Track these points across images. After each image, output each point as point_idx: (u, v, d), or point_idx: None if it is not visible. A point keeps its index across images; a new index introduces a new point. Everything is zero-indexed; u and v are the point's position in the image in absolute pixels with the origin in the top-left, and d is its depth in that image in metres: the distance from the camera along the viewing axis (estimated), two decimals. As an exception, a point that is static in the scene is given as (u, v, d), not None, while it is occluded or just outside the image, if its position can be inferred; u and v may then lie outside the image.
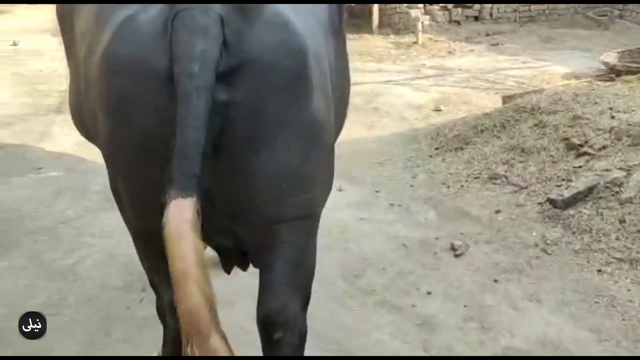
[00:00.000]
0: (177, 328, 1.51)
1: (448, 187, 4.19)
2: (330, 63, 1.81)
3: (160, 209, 1.45)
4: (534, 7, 11.95)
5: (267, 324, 1.78)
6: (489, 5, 11.62)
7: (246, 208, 1.65)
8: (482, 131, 4.69)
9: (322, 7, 1.88)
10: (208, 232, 1.55)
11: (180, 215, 1.43)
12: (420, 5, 11.57)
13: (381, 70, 8.13)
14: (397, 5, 11.84)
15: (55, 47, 10.48)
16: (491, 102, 6.32)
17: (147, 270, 1.93)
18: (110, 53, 1.57)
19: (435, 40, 10.57)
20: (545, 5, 12.01)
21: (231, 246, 1.85)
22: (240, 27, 1.53)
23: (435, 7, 11.56)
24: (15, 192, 4.39)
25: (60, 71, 8.99)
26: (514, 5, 11.79)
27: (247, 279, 2.16)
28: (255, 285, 1.82)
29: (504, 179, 3.99)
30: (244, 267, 2.01)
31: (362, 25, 12.15)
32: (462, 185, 4.15)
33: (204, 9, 1.51)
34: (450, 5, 11.52)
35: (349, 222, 3.85)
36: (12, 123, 6.03)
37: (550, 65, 8.03)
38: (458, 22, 11.62)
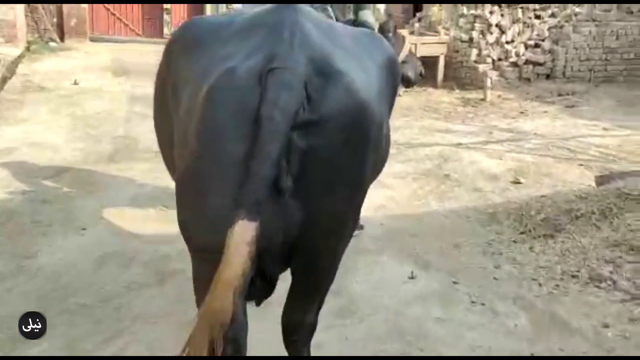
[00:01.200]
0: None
1: (540, 285, 3.61)
2: (383, 127, 2.15)
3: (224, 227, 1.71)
4: (610, 66, 11.33)
5: (289, 328, 2.29)
6: (562, 63, 11.05)
7: (304, 238, 1.93)
8: (577, 217, 4.12)
9: (384, 77, 2.21)
10: (265, 258, 1.86)
11: (244, 234, 1.68)
12: (489, 61, 11.09)
13: (450, 131, 7.64)
14: (464, 59, 11.40)
15: (116, 87, 10.47)
16: (576, 176, 5.73)
17: (197, 291, 2.08)
18: (214, 90, 1.89)
19: (505, 99, 10.04)
20: (622, 65, 11.37)
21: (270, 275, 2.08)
22: (323, 87, 1.86)
23: (505, 63, 11.06)
24: (57, 257, 4.03)
25: (118, 114, 8.84)
26: (589, 64, 11.19)
27: None
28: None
29: (610, 283, 3.40)
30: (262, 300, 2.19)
31: (427, 78, 11.69)
32: (557, 285, 3.56)
33: (292, 69, 1.84)
34: (520, 62, 11.00)
35: (424, 322, 3.32)
36: (62, 172, 5.77)
37: (636, 135, 7.37)
38: (528, 80, 11.07)
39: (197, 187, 1.94)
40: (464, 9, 11.96)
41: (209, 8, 15.83)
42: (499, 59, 11.15)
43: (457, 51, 11.60)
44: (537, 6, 11.53)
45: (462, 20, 11.87)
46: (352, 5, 3.66)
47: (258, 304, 2.16)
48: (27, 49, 13.47)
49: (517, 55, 11.06)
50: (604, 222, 3.95)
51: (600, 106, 9.31)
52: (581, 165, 6.07)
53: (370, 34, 2.52)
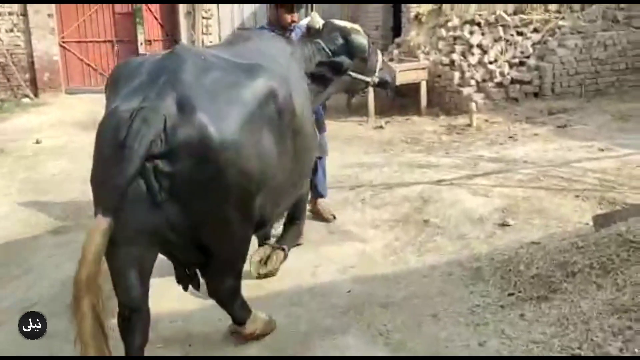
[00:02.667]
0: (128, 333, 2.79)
1: (535, 367, 2.92)
2: (259, 150, 2.78)
3: None
4: (601, 79, 10.73)
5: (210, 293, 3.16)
6: (550, 80, 10.45)
7: (196, 234, 2.71)
8: (574, 273, 3.42)
9: (256, 118, 2.78)
10: (176, 253, 2.91)
11: (99, 225, 2.43)
12: (473, 83, 10.50)
13: (431, 165, 6.98)
14: (447, 83, 10.82)
15: (81, 143, 9.87)
16: (572, 210, 5.06)
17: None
18: (99, 128, 2.64)
19: (492, 122, 9.43)
20: (614, 77, 10.78)
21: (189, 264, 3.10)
22: (175, 124, 2.51)
23: (490, 84, 10.46)
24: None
25: (75, 174, 8.12)
26: (578, 78, 10.59)
27: None
28: None
29: (621, 365, 2.71)
30: (195, 286, 3.24)
31: (409, 105, 11.14)
32: (556, 368, 2.87)
33: (155, 109, 2.51)
34: (506, 82, 10.40)
35: None
36: (-5, 252, 5.11)
37: (636, 154, 6.72)
38: (516, 100, 10.46)
39: (93, 193, 2.67)
40: (442, 31, 11.44)
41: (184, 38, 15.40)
42: (483, 80, 10.56)
43: (439, 76, 11.04)
44: (518, 22, 11.00)
45: (441, 43, 11.34)
46: (339, 34, 4.11)
47: (196, 287, 3.26)
48: (-1, 107, 12.97)
49: (502, 75, 10.48)
50: (606, 278, 3.25)
51: (594, 123, 8.67)
52: (577, 196, 5.40)
53: (252, 70, 2.92)
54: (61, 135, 10.43)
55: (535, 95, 10.55)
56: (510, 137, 8.29)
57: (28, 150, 9.30)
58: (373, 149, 8.30)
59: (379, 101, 10.78)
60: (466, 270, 4.14)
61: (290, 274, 4.34)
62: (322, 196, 5.44)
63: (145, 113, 2.44)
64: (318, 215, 5.41)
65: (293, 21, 4.40)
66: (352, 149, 8.40)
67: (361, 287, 4.09)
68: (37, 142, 9.72)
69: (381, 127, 9.97)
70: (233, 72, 2.79)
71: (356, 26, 4.30)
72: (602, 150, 7.06)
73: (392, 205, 5.70)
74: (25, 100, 14.43)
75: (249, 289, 3.53)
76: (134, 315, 2.71)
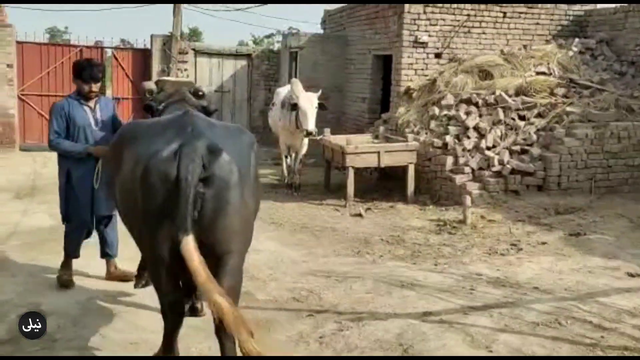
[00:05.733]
0: (174, 322, 3.53)
1: None
2: (250, 180, 3.61)
3: (166, 243, 3.25)
4: (613, 174, 9.41)
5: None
6: (556, 172, 9.09)
7: (209, 245, 3.27)
8: None
9: (248, 151, 3.72)
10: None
11: (190, 245, 3.08)
12: (468, 170, 9.11)
13: (415, 284, 5.44)
14: (439, 168, 9.45)
15: (2, 217, 8.26)
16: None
17: (156, 282, 3.58)
18: (148, 168, 3.33)
19: (489, 220, 7.97)
20: (627, 173, 9.46)
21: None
22: (210, 160, 3.28)
23: (487, 172, 9.07)
24: None
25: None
26: (589, 173, 9.25)
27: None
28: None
29: None
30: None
31: (395, 190, 9.72)
32: None
33: (194, 148, 3.26)
34: (505, 171, 9.01)
35: None
36: None
37: (677, 285, 5.25)
38: (516, 193, 9.06)
39: (145, 224, 3.41)
40: (435, 109, 10.16)
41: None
42: (480, 168, 9.18)
43: (429, 159, 9.68)
44: (520, 105, 9.74)
45: (433, 123, 10.05)
46: (187, 89, 4.80)
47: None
48: None
49: (501, 163, 9.09)
50: None
51: (612, 231, 7.23)
52: (616, 362, 3.88)
53: (237, 128, 4.08)
54: (-11, 202, 8.83)
55: (539, 188, 9.16)
56: (514, 245, 6.80)
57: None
58: (346, 249, 6.76)
59: (360, 183, 9.40)
60: None
61: None
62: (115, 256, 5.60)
63: (188, 153, 3.26)
64: (118, 279, 5.44)
65: (92, 91, 4.97)
66: (321, 247, 6.87)
67: None
68: (-47, 213, 8.12)
69: (360, 215, 8.50)
70: (228, 128, 3.97)
71: (188, 79, 5.11)
72: (633, 276, 5.58)
73: (360, 352, 4.12)
74: (-27, 157, 12.88)
75: None
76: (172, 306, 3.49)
